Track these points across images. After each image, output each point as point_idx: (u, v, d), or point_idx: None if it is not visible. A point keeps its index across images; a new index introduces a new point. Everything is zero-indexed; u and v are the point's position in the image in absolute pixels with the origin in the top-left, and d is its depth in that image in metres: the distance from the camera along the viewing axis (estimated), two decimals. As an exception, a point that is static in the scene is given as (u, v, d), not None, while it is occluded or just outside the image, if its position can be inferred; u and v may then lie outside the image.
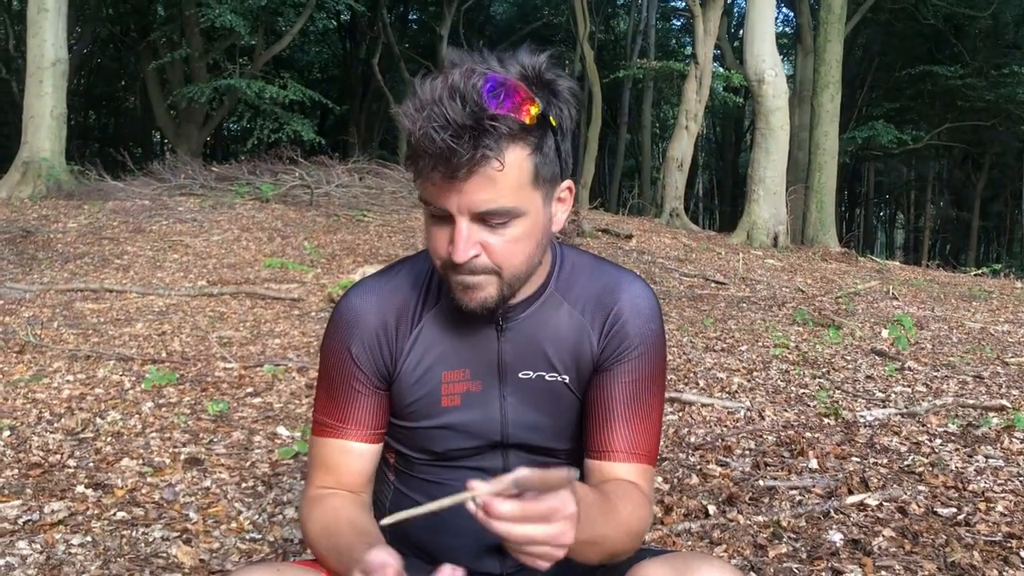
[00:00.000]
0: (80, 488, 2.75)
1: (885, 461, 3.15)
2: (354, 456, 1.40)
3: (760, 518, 2.58)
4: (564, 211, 1.35)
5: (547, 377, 1.43)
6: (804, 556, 2.32)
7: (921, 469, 3.04)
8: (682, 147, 14.21)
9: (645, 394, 1.46)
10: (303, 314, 6.04)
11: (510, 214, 1.20)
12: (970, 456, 3.22)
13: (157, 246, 8.20)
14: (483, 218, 1.19)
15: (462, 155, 1.13)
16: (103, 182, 11.92)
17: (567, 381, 1.45)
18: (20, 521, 2.48)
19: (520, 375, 1.43)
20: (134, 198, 10.70)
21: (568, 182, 1.32)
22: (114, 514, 2.56)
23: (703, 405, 3.85)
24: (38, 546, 2.32)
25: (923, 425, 3.63)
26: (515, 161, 1.18)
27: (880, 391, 4.29)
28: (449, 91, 1.14)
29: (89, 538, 2.39)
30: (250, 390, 4.06)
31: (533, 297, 1.40)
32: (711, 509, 2.64)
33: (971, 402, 4.03)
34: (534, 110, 1.17)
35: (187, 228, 9.02)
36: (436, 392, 1.40)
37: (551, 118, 1.22)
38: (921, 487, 2.86)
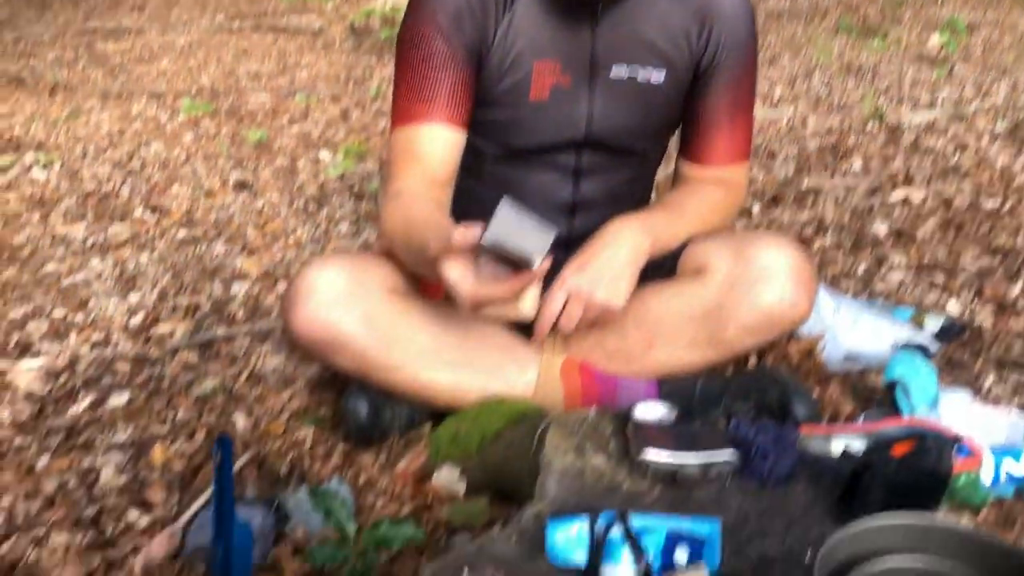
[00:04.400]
0: (138, 212, 2.83)
1: (930, 161, 3.13)
2: (440, 143, 1.38)
3: (804, 215, 2.62)
4: None
5: (639, 78, 1.42)
6: (849, 246, 2.37)
7: (967, 167, 3.03)
8: None
9: (744, 96, 1.48)
10: (327, 45, 5.89)
11: None
12: (1017, 153, 3.18)
13: (169, -18, 7.87)
14: None
15: None
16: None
17: (660, 82, 1.43)
18: (88, 242, 2.58)
19: (612, 74, 1.41)
20: (137, -67, 10.13)
21: None
22: (175, 234, 2.65)
23: (744, 116, 3.80)
24: (110, 263, 2.43)
25: (970, 126, 3.57)
26: None
27: (927, 95, 4.19)
28: None
29: (156, 255, 2.49)
30: (286, 119, 4.05)
31: None
32: (755, 208, 2.68)
33: (1021, 103, 3.93)
34: None
35: (197, -38, 8.60)
36: (526, 82, 1.38)
37: None
38: (966, 183, 2.86)
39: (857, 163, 3.11)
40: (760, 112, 3.85)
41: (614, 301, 1.34)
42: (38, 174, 3.20)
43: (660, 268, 1.47)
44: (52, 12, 7.04)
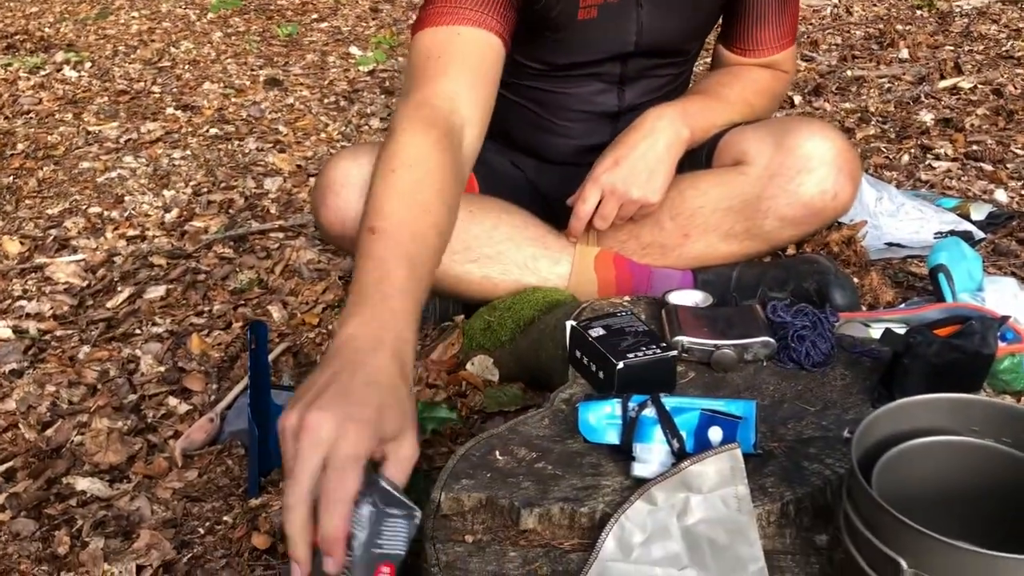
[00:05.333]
0: (170, 110, 2.81)
1: (981, 48, 3.00)
2: (484, 48, 1.19)
3: (847, 105, 2.53)
4: None
5: None
6: (893, 136, 2.30)
7: (1021, 54, 2.90)
8: None
9: None
10: (357, -61, 5.74)
11: None
12: (1075, 39, 3.04)
13: None
14: None
15: None
16: None
17: None
18: (121, 140, 2.58)
19: None
20: None
21: None
22: (207, 131, 2.64)
23: (787, 4, 3.66)
24: (143, 160, 2.43)
25: (1025, 11, 3.41)
26: None
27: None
28: None
29: (188, 152, 2.49)
30: (315, 16, 3.98)
31: None
32: (796, 99, 2.60)
33: (1080, -14, 3.73)
34: None
35: None
36: (574, 3, 1.31)
37: None
38: (1019, 70, 2.74)
39: (904, 52, 2.99)
40: (803, 1, 3.70)
41: (651, 197, 1.30)
42: (69, 73, 3.18)
43: (697, 155, 1.43)
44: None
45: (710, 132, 1.41)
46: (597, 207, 1.31)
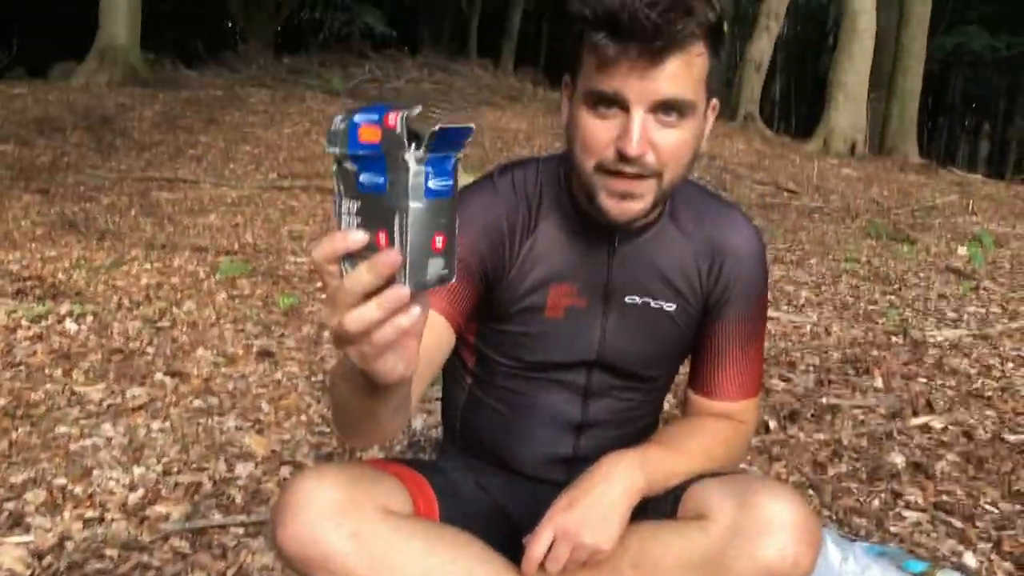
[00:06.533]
0: (159, 375, 2.86)
1: (953, 383, 3.10)
2: (429, 327, 1.31)
3: (821, 436, 2.58)
4: (708, 131, 1.32)
5: (652, 304, 1.44)
6: (864, 476, 2.32)
7: (990, 394, 2.99)
8: (761, 48, 13.68)
9: (754, 336, 1.49)
10: (371, 211, 6.09)
11: (688, 108, 1.18)
12: (1043, 382, 3.15)
13: (229, 137, 8.29)
14: (663, 108, 1.17)
15: (670, 33, 1.11)
16: (177, 72, 12.02)
17: (672, 311, 1.45)
18: (104, 404, 2.61)
19: (626, 299, 1.43)
20: (207, 88, 10.79)
21: (715, 101, 1.29)
22: (191, 402, 2.67)
23: (769, 318, 3.81)
24: (121, 429, 2.44)
25: (995, 348, 3.55)
26: (703, 54, 1.17)
27: (952, 310, 4.19)
28: None
29: (168, 424, 2.50)
30: (320, 284, 4.15)
31: (651, 223, 1.39)
32: (772, 424, 2.65)
33: (1048, 326, 3.91)
34: (715, 13, 1.16)
35: (258, 120, 9.09)
36: (542, 302, 1.40)
37: (724, 26, 1.20)
38: (989, 412, 2.82)
39: (879, 380, 3.09)
40: (784, 316, 3.87)
41: (603, 543, 1.30)
42: (70, 326, 3.27)
43: (663, 503, 1.44)
44: (116, 158, 7.41)
45: (669, 482, 1.43)
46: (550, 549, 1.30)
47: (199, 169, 7.18)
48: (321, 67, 12.19)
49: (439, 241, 0.79)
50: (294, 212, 5.93)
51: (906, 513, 2.11)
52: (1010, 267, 5.42)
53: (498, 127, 9.67)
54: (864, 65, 11.80)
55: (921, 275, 5.00)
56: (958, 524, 2.06)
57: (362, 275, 0.81)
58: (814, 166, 9.76)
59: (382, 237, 0.78)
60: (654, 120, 1.17)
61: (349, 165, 0.79)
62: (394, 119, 0.75)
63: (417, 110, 0.76)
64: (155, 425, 2.48)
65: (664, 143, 1.19)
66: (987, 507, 2.15)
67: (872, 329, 3.80)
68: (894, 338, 3.67)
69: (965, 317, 4.08)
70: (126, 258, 4.43)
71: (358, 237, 0.79)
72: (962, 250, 5.72)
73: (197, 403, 2.66)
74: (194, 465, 2.25)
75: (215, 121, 8.91)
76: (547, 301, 1.42)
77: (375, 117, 0.76)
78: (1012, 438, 2.60)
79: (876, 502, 2.17)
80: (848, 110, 11.76)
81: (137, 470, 2.20)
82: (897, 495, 2.21)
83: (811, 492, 2.23)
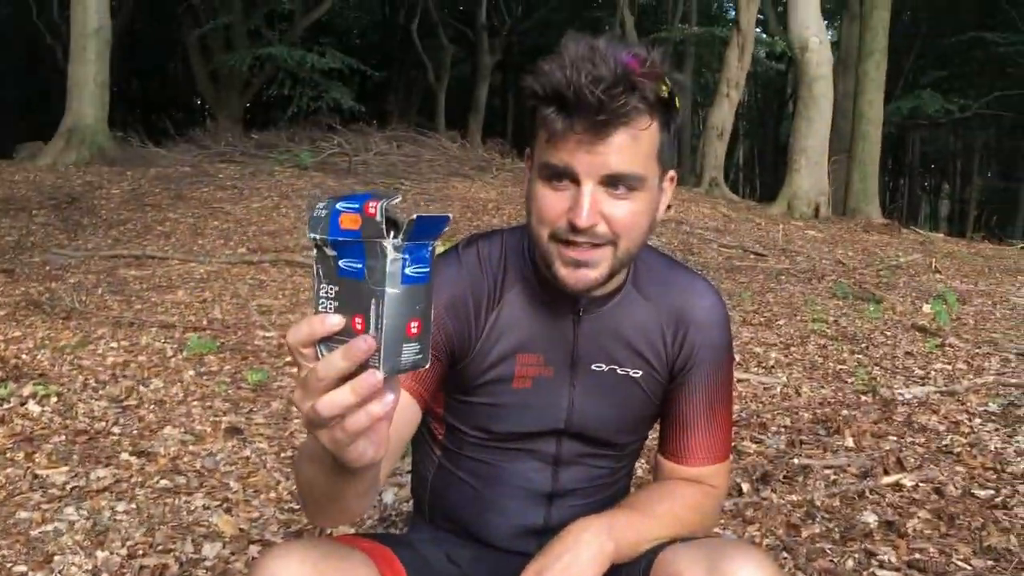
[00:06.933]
0: (124, 456, 2.82)
1: (922, 440, 3.12)
2: (404, 407, 1.29)
3: (794, 497, 2.58)
4: (666, 201, 1.35)
5: (619, 371, 1.44)
6: (837, 537, 2.31)
7: (959, 449, 3.01)
8: (723, 115, 14.02)
9: (720, 402, 1.50)
10: (341, 283, 6.09)
11: (638, 182, 1.20)
12: (1010, 436, 3.17)
13: (198, 213, 8.30)
14: (612, 182, 1.19)
15: (613, 109, 1.13)
16: (145, 148, 12.08)
17: (638, 377, 1.46)
18: (68, 487, 2.56)
19: (592, 366, 1.43)
20: (175, 165, 10.83)
21: (672, 172, 1.32)
22: (157, 482, 2.62)
23: (739, 380, 3.84)
24: (85, 512, 2.39)
25: (963, 404, 3.59)
26: (651, 129, 1.19)
27: (919, 368, 4.24)
28: (598, 52, 1.15)
29: (133, 505, 2.45)
30: (289, 359, 4.12)
31: (614, 291, 1.40)
32: (744, 487, 2.64)
33: (1013, 381, 3.96)
34: (665, 88, 1.18)
35: (227, 195, 9.11)
36: (509, 373, 1.40)
37: (677, 100, 1.22)
38: (959, 468, 2.83)
39: (849, 440, 3.10)
40: (754, 378, 3.89)
41: None
42: (33, 407, 3.22)
43: (634, 570, 1.43)
44: (83, 237, 7.38)
45: (639, 547, 1.42)
46: None
47: (167, 245, 7.16)
48: (290, 141, 12.28)
49: (414, 327, 0.82)
50: (263, 286, 5.91)
51: (880, 573, 2.11)
52: (974, 323, 5.51)
53: (467, 197, 9.77)
54: (823, 129, 12.10)
55: (888, 334, 5.07)
56: (932, 583, 2.06)
57: (337, 360, 0.83)
58: (779, 229, 9.93)
59: (358, 322, 0.80)
60: (604, 192, 1.20)
61: (329, 250, 0.82)
62: (374, 207, 0.78)
63: (396, 199, 0.80)
64: (120, 507, 2.43)
65: (615, 215, 1.21)
66: (960, 564, 2.15)
67: (841, 389, 3.83)
68: (863, 397, 3.70)
69: (932, 374, 4.13)
70: (92, 337, 4.38)
71: (334, 321, 0.82)
72: (927, 308, 5.81)
73: (164, 483, 2.61)
74: (160, 547, 2.21)
75: (183, 197, 8.92)
76: (514, 371, 1.43)
77: (356, 205, 0.80)
78: (982, 493, 2.61)
79: (850, 562, 2.16)
80: (810, 173, 12.01)
81: (101, 554, 2.15)
82: (871, 554, 2.20)
83: (785, 554, 2.22)
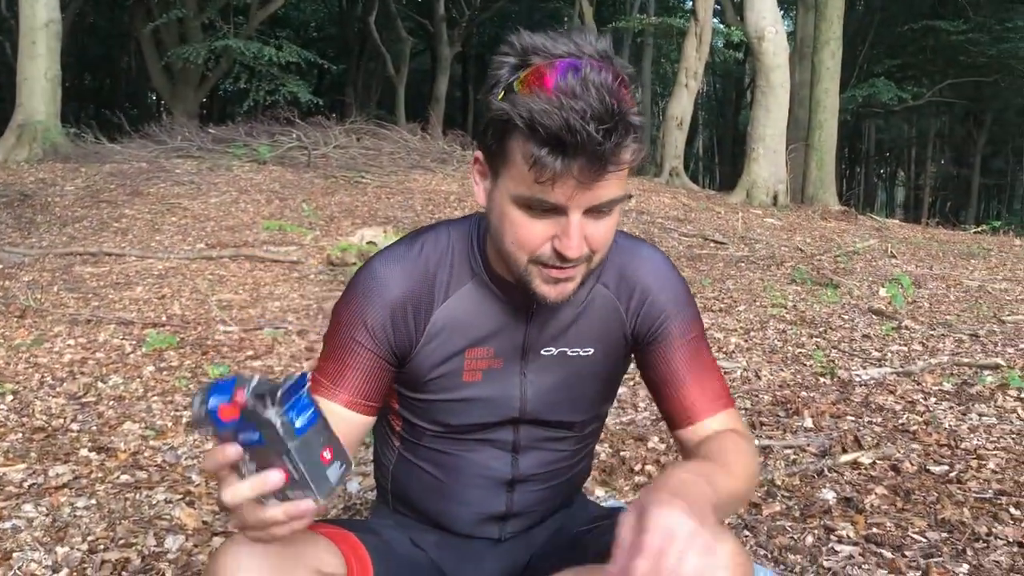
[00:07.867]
0: (83, 452, 2.78)
1: (880, 420, 3.18)
2: (336, 419, 1.28)
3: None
4: None
5: (569, 352, 1.43)
6: (797, 514, 2.35)
7: (915, 428, 3.08)
8: (682, 105, 14.12)
9: (698, 346, 1.44)
10: (302, 277, 6.05)
11: (620, 202, 1.19)
12: (964, 414, 3.25)
13: (155, 209, 8.19)
14: (597, 208, 1.16)
15: (613, 152, 1.10)
16: (100, 145, 11.87)
17: (589, 355, 1.44)
18: (25, 484, 2.52)
19: (543, 351, 1.43)
20: (131, 160, 10.66)
21: None
22: (117, 477, 2.59)
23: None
24: (44, 509, 2.35)
25: (918, 384, 3.66)
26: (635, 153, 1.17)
27: (876, 350, 4.32)
28: (589, 85, 1.09)
29: (93, 501, 2.42)
30: (250, 353, 4.09)
31: None
32: (706, 468, 2.67)
33: (966, 360, 4.06)
34: (640, 117, 1.15)
35: (185, 191, 9.00)
36: (459, 368, 1.39)
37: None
38: (914, 445, 2.90)
39: (808, 420, 3.15)
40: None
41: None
42: (-11, 406, 3.17)
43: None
44: (37, 235, 7.24)
45: (732, 499, 1.29)
46: None
47: (124, 242, 7.05)
48: (248, 136, 12.15)
49: (327, 454, 0.94)
50: (223, 281, 5.85)
51: (839, 547, 2.15)
52: (929, 306, 5.62)
53: (428, 190, 9.74)
54: (781, 118, 12.24)
55: (845, 317, 5.15)
56: (888, 555, 2.10)
57: (277, 512, 0.98)
58: (738, 217, 10.04)
59: (279, 471, 0.93)
60: (590, 216, 1.17)
61: (224, 434, 0.93)
62: (242, 397, 0.90)
63: (256, 380, 0.91)
64: (80, 503, 2.40)
65: (596, 234, 1.19)
66: (915, 537, 2.20)
67: (800, 371, 3.89)
68: (822, 379, 3.76)
69: (889, 356, 4.21)
70: (48, 335, 4.31)
71: (274, 479, 0.94)
72: (883, 292, 5.91)
73: (124, 478, 2.59)
74: (122, 541, 2.18)
75: (140, 193, 8.80)
76: (463, 365, 1.41)
77: (226, 398, 0.91)
78: (937, 469, 2.67)
79: (810, 538, 2.20)
80: (768, 162, 12.15)
81: (61, 550, 2.12)
82: (830, 530, 2.24)
83: (747, 532, 2.25)
